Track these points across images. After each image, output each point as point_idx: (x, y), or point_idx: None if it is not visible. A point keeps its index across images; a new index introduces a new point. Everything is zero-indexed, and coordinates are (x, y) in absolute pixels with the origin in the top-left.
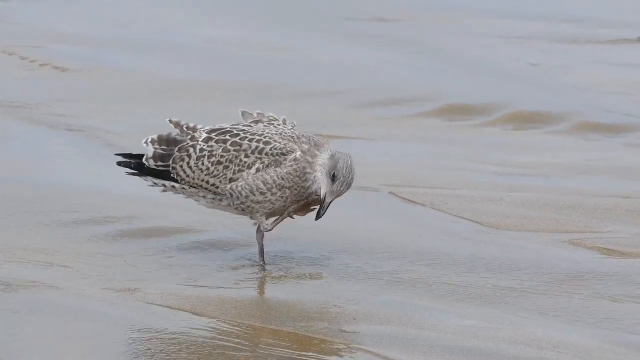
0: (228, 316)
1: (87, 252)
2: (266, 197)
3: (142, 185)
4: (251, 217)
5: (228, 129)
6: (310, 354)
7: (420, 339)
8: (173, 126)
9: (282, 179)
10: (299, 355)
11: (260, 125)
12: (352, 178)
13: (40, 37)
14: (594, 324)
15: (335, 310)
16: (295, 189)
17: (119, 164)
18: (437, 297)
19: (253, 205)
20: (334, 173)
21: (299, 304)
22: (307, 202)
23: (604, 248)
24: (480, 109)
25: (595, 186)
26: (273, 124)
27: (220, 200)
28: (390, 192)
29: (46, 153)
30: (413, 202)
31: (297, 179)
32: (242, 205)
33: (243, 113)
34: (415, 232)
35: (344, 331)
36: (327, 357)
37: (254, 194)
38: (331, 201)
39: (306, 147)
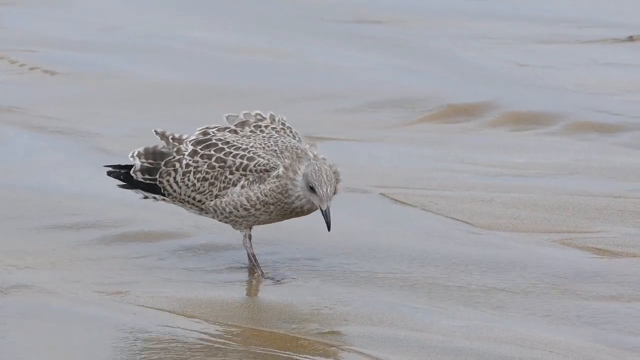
0: (219, 318)
1: (77, 256)
2: (250, 212)
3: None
4: (234, 227)
5: (213, 141)
6: (301, 356)
7: (411, 340)
8: (159, 137)
9: (266, 195)
10: (290, 357)
11: (247, 130)
12: (326, 176)
13: (30, 41)
14: (586, 324)
15: (327, 311)
16: (279, 205)
17: (109, 174)
18: (429, 298)
19: (237, 219)
20: (310, 186)
21: (290, 306)
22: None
23: (595, 248)
24: (470, 110)
25: (586, 186)
26: (260, 126)
27: (207, 213)
28: (381, 194)
29: (36, 157)
30: (404, 203)
31: (280, 195)
32: (225, 220)
33: (228, 117)
34: (406, 233)
35: (336, 332)
36: (318, 359)
37: (238, 210)
38: (327, 207)
39: (288, 162)
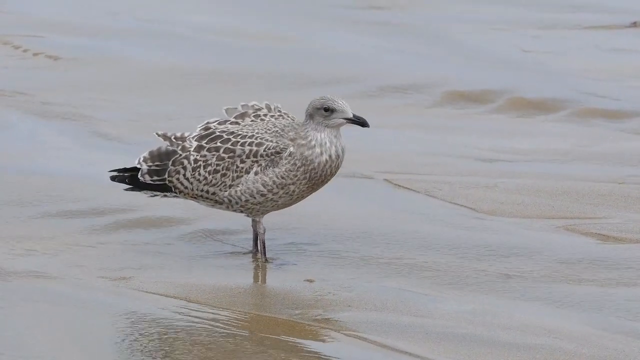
0: (222, 304)
1: (81, 242)
2: (267, 197)
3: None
4: (248, 216)
5: (217, 134)
6: (305, 341)
7: (416, 326)
8: (162, 139)
9: (282, 177)
10: (294, 342)
11: (248, 120)
12: (327, 97)
13: (34, 26)
14: (590, 310)
15: (330, 297)
16: (303, 179)
17: (113, 179)
18: (433, 283)
19: (253, 206)
20: (325, 109)
21: (294, 292)
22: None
23: (599, 234)
24: (475, 96)
25: (590, 172)
26: (259, 115)
27: (221, 205)
28: (385, 179)
29: (39, 142)
30: (408, 188)
31: (303, 168)
32: (241, 209)
33: (227, 110)
34: (409, 219)
35: (339, 318)
36: (321, 344)
37: (254, 197)
38: (352, 114)
39: (292, 134)
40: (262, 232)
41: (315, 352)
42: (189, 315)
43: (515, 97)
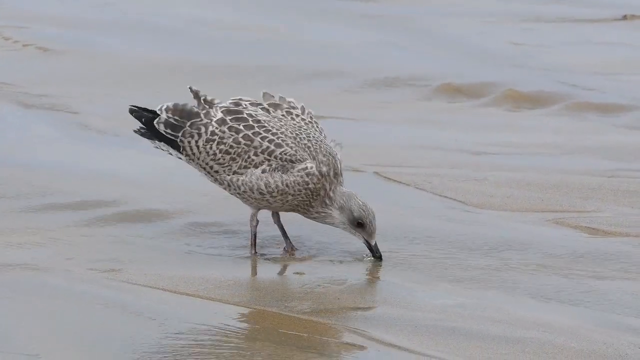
0: (211, 296)
1: (68, 234)
2: (264, 197)
3: (125, 167)
4: (244, 202)
5: (244, 115)
6: (294, 333)
7: (405, 319)
8: (192, 95)
9: (287, 186)
10: (284, 334)
11: (279, 113)
12: (371, 209)
13: (24, 18)
14: (580, 304)
15: (320, 290)
16: (299, 198)
17: (131, 112)
18: (422, 276)
19: (248, 198)
20: (359, 222)
21: (283, 285)
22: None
23: (589, 227)
24: (467, 89)
25: (580, 166)
26: (292, 113)
27: (220, 184)
28: (374, 172)
29: (27, 134)
30: (397, 182)
31: (307, 191)
32: (237, 195)
33: (264, 94)
34: (399, 212)
35: (329, 311)
36: (310, 336)
37: (253, 192)
38: (374, 243)
39: (325, 169)
40: (255, 224)
41: (304, 345)
42: (178, 307)
43: (507, 91)
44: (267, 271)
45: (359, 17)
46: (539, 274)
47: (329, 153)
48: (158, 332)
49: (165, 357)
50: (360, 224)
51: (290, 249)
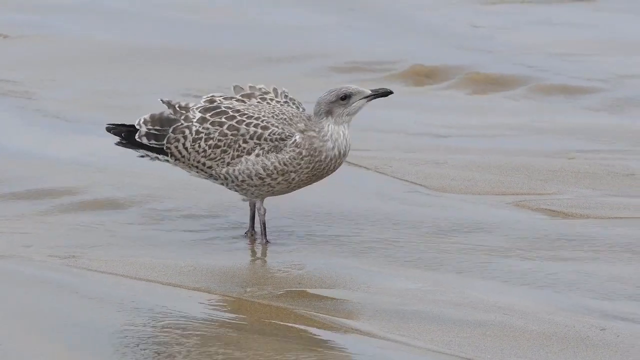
0: (171, 282)
1: (28, 222)
2: (264, 181)
3: (84, 153)
4: (244, 200)
5: (223, 109)
6: (254, 318)
7: (366, 303)
8: (166, 106)
9: (285, 164)
10: (244, 320)
11: (254, 101)
12: (336, 87)
13: None
14: (541, 286)
15: (281, 275)
16: (306, 169)
17: (109, 130)
18: (383, 261)
19: (248, 187)
20: (341, 97)
21: (244, 270)
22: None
23: (549, 209)
24: (429, 72)
25: (541, 148)
26: (265, 98)
27: (215, 179)
28: None
29: None
30: (358, 165)
31: (309, 158)
32: (236, 187)
33: (235, 87)
34: (359, 195)
35: (289, 295)
36: (271, 322)
37: (252, 179)
38: (370, 90)
39: (302, 125)
40: (263, 213)
41: (265, 331)
42: (137, 294)
43: (470, 74)
44: (228, 257)
45: (324, 1)
46: (500, 257)
47: (300, 113)
48: (118, 318)
49: (123, 341)
50: (345, 96)
51: (251, 233)
